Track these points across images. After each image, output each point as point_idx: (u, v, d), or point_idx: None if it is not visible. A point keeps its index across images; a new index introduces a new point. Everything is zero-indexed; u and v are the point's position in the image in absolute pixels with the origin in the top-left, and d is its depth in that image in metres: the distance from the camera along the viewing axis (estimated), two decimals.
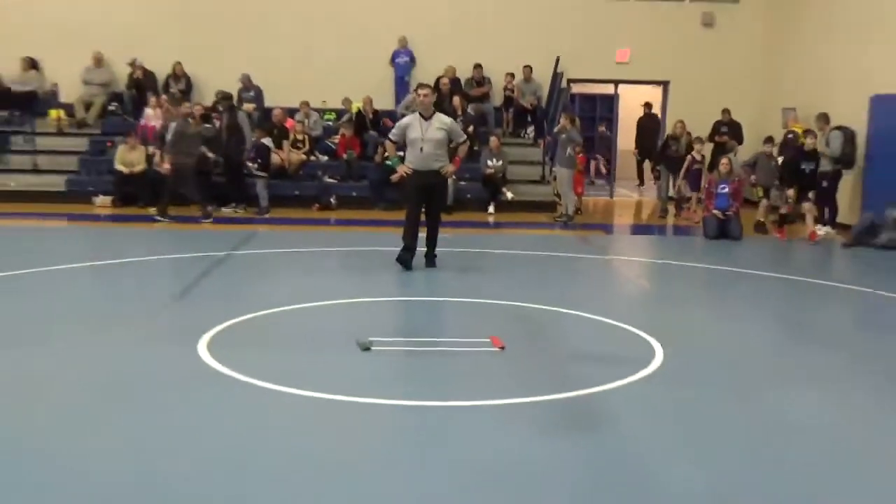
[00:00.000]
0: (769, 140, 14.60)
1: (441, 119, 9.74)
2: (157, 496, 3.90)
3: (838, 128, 14.01)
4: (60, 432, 4.66)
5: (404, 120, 9.88)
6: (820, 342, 7.29)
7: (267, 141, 15.30)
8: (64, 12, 17.23)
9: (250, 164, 14.96)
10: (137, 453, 4.39)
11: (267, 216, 14.50)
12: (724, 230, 12.89)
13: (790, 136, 14.78)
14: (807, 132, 13.57)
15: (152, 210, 13.84)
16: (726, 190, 13.09)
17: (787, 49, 16.98)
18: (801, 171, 13.17)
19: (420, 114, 9.66)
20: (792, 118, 15.25)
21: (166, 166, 13.49)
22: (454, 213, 14.59)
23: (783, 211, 13.41)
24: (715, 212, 13.01)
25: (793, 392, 5.69)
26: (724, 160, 13.66)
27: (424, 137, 9.48)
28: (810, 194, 13.09)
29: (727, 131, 16.63)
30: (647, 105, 19.78)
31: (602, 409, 5.21)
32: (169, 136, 13.79)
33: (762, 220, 13.76)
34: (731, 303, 9.15)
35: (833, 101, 14.95)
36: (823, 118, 14.42)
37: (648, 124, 19.67)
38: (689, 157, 15.26)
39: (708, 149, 16.81)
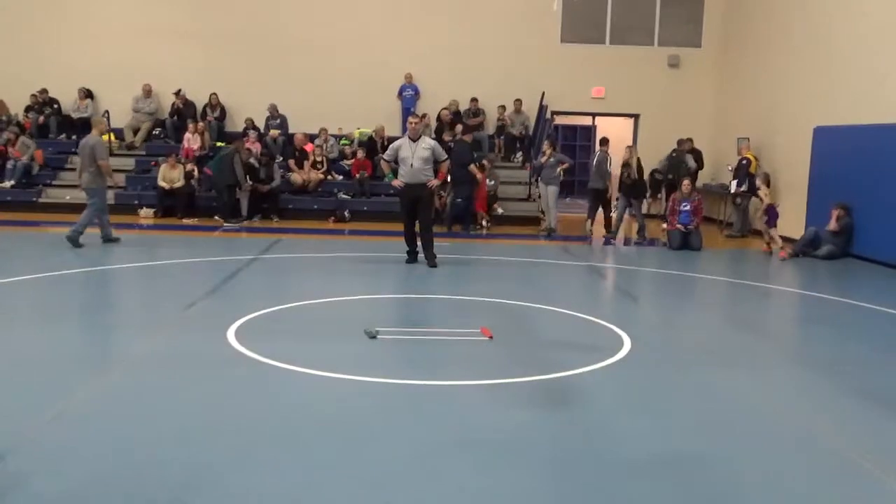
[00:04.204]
0: None
1: (426, 141, 10.19)
2: (178, 448, 3.92)
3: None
4: (114, 397, 4.68)
5: (396, 143, 10.35)
6: (757, 333, 7.36)
7: (254, 160, 15.29)
8: (116, 50, 17.34)
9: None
10: (166, 414, 4.40)
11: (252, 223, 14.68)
12: (686, 242, 12.91)
13: (744, 161, 14.82)
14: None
15: (187, 220, 13.91)
16: (688, 207, 13.09)
17: (742, 86, 17.04)
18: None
19: (409, 137, 10.09)
20: (745, 146, 15.26)
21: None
22: (451, 226, 14.63)
23: None
24: (678, 226, 13.01)
25: (731, 372, 5.74)
26: (685, 182, 13.64)
27: (413, 156, 9.91)
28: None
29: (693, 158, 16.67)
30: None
31: (577, 387, 5.21)
32: None
33: None
34: (688, 302, 9.15)
35: (781, 132, 15.03)
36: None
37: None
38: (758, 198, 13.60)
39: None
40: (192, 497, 3.46)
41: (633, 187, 14.05)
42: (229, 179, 14.59)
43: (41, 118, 17.16)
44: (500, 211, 15.57)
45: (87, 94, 17.47)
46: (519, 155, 17.63)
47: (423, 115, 16.04)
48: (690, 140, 16.90)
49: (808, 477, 3.97)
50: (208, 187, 14.96)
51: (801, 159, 13.89)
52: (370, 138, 16.83)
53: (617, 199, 14.60)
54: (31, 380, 5.09)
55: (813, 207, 13.48)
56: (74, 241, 10.80)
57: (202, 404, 4.68)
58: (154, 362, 5.54)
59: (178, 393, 4.89)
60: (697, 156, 16.81)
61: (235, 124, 17.40)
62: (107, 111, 17.03)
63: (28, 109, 17.28)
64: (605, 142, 14.73)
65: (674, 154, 16.02)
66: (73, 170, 16.47)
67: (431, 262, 10.01)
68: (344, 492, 3.57)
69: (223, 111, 17.49)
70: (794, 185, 14.26)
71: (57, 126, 17.31)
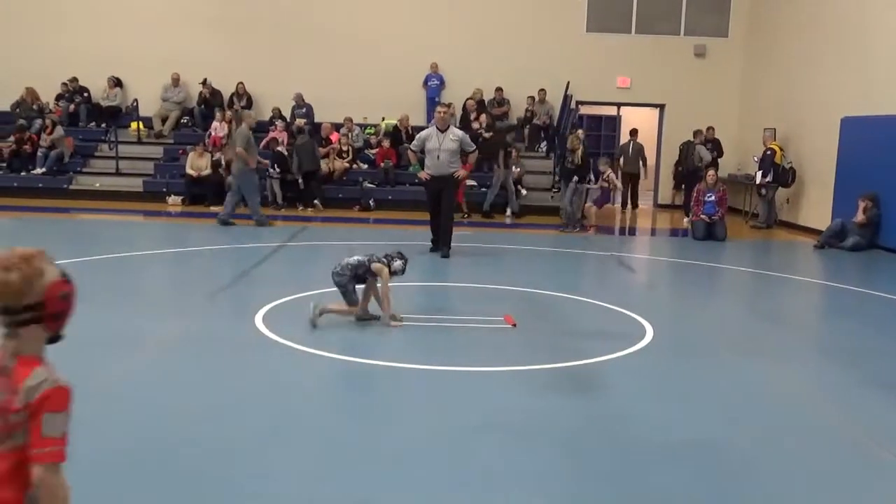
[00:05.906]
0: None
1: (454, 132, 10.01)
2: (207, 423, 4.03)
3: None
4: (146, 376, 4.81)
5: (423, 133, 10.16)
6: (779, 323, 7.39)
7: (282, 149, 15.46)
8: (145, 39, 17.50)
9: (270, 170, 15.12)
10: (197, 393, 4.52)
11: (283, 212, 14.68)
12: (710, 232, 12.87)
13: (768, 152, 14.73)
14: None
15: (215, 208, 14.05)
16: (713, 198, 13.03)
17: (769, 77, 16.89)
18: None
19: (437, 127, 9.90)
20: (769, 137, 15.16)
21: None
22: (474, 215, 14.70)
23: None
24: (703, 216, 12.97)
25: (753, 362, 5.78)
26: (710, 172, 13.59)
27: (441, 147, 9.75)
28: None
29: (711, 147, 16.56)
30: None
31: (599, 375, 5.28)
32: None
33: None
34: (712, 292, 9.17)
35: (808, 122, 14.91)
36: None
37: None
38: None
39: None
40: (218, 471, 3.59)
41: (575, 171, 13.64)
42: (310, 166, 15.00)
43: (71, 106, 17.41)
44: (524, 192, 15.65)
45: (117, 83, 17.70)
46: (543, 145, 17.62)
47: (450, 105, 16.10)
48: (712, 129, 16.82)
49: (825, 465, 4.02)
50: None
51: (828, 150, 13.77)
52: (395, 128, 16.92)
53: (558, 181, 14.28)
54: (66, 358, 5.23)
55: (839, 199, 13.37)
56: (224, 222, 12.24)
57: (231, 385, 4.81)
58: (186, 344, 5.68)
59: (208, 374, 5.02)
60: (716, 145, 16.73)
61: (262, 113, 17.51)
62: (135, 100, 17.26)
63: (59, 98, 17.53)
64: (634, 132, 16.24)
65: (682, 146, 16.19)
66: (102, 157, 16.74)
67: (445, 250, 9.92)
68: (367, 471, 3.67)
69: (250, 100, 17.62)
70: (820, 176, 14.15)
71: (87, 114, 17.55)
